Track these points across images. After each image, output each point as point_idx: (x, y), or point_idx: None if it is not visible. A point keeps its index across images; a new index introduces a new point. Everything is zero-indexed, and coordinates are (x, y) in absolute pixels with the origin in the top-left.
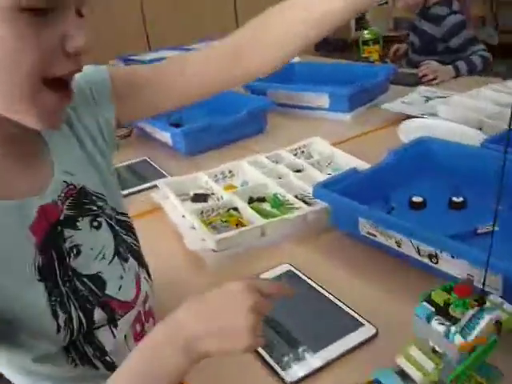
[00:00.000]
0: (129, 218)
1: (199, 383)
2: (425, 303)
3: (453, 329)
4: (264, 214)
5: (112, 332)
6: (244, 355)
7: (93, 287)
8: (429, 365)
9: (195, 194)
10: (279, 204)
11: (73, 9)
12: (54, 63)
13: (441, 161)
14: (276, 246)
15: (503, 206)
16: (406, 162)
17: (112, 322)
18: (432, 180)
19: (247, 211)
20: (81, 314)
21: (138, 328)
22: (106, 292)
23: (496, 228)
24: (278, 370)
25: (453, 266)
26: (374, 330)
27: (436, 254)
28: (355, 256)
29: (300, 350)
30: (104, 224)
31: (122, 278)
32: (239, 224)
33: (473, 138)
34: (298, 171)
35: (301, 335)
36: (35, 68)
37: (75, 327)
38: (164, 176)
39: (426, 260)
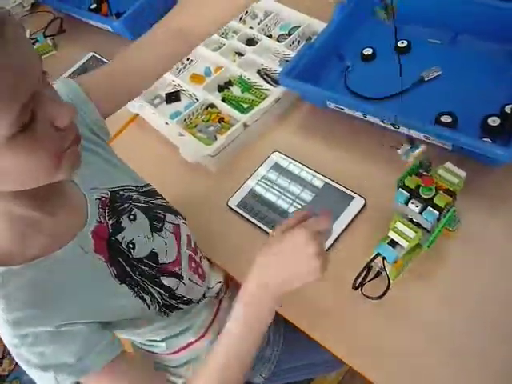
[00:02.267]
0: (149, 184)
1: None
2: (401, 190)
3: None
4: (239, 104)
5: (183, 283)
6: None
7: (151, 263)
8: (411, 233)
9: (167, 95)
10: (248, 87)
11: (36, 100)
12: (61, 141)
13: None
14: (259, 134)
15: (443, 41)
16: (352, 16)
17: (179, 278)
18: (376, 27)
19: (224, 106)
20: (157, 288)
21: (194, 265)
22: (160, 262)
23: (439, 72)
24: None
25: (411, 131)
26: (363, 201)
27: (396, 123)
28: (329, 127)
29: None
30: (137, 212)
31: (166, 244)
32: (221, 120)
33: None
34: (251, 40)
35: None
36: (53, 155)
37: (158, 299)
38: None
39: (390, 126)
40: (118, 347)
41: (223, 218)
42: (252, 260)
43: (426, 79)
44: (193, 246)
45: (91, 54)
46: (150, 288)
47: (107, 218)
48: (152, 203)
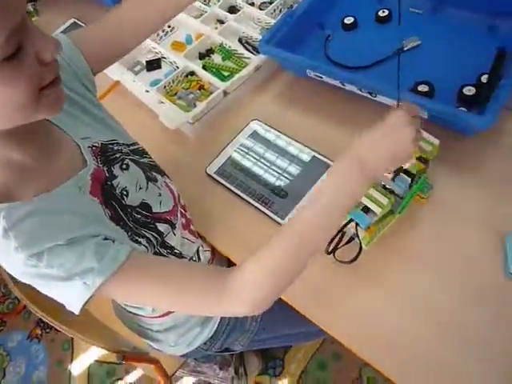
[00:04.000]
0: (137, 143)
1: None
2: None
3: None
4: (220, 72)
5: (174, 233)
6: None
7: (144, 212)
8: (384, 200)
9: (147, 62)
10: (229, 55)
11: (23, 31)
12: (42, 77)
13: None
14: (238, 102)
15: (424, 10)
16: None
17: (172, 227)
18: None
19: (204, 74)
20: (152, 233)
21: (184, 221)
22: (153, 211)
23: (418, 41)
24: (278, 219)
25: (388, 100)
26: None
27: (373, 91)
28: (308, 96)
29: (288, 199)
30: (130, 163)
31: (160, 195)
32: (201, 87)
33: None
34: (233, 7)
35: (286, 186)
36: (32, 90)
37: (154, 242)
38: None
39: (366, 95)
40: (127, 248)
41: (202, 185)
42: (229, 227)
43: (405, 48)
44: (182, 203)
45: (72, 20)
46: (144, 232)
47: (100, 165)
48: (141, 161)
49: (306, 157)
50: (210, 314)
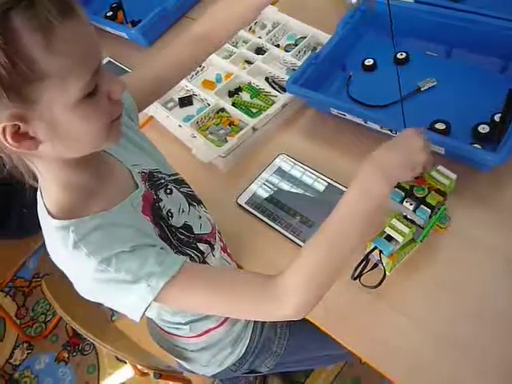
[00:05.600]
0: (178, 173)
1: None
2: (397, 189)
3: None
4: (248, 109)
5: (213, 255)
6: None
7: (186, 233)
8: (406, 229)
9: (180, 99)
10: (256, 93)
11: (100, 72)
12: (112, 113)
13: (383, 20)
14: (267, 137)
15: (439, 53)
16: (355, 30)
17: (211, 248)
18: (377, 39)
19: (234, 111)
20: (194, 251)
21: (222, 244)
22: (195, 232)
23: (434, 82)
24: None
25: None
26: None
27: (393, 129)
28: (332, 132)
29: (314, 228)
30: (173, 188)
31: (200, 217)
32: (231, 123)
33: None
34: (260, 49)
35: (311, 215)
36: (106, 123)
37: (196, 260)
38: None
39: (387, 131)
40: (182, 257)
41: (233, 215)
42: (259, 254)
43: (422, 89)
44: (218, 229)
45: (107, 58)
46: (187, 251)
47: (148, 189)
48: (180, 190)
49: (328, 191)
50: (257, 318)
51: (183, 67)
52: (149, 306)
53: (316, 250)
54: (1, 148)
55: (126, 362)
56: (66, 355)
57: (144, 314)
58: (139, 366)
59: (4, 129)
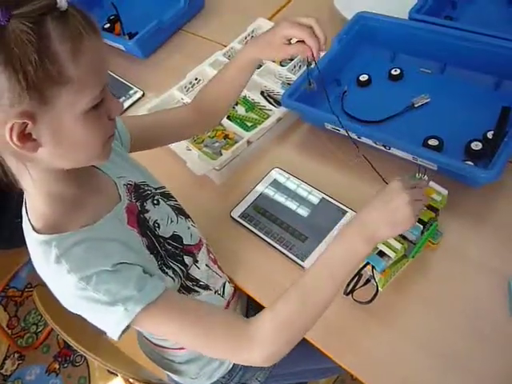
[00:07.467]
0: (164, 187)
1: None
2: None
3: None
4: (243, 122)
5: (197, 267)
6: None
7: (175, 244)
8: (398, 245)
9: None
10: (251, 107)
11: (106, 89)
12: (109, 128)
13: (378, 36)
14: (261, 151)
15: (433, 70)
16: (350, 46)
17: (195, 260)
18: (372, 55)
19: (229, 124)
20: (178, 265)
21: (212, 256)
22: (184, 243)
23: (428, 99)
24: (299, 261)
25: (401, 152)
26: (354, 214)
27: (387, 144)
28: (326, 146)
29: (307, 242)
30: (160, 200)
31: (189, 228)
32: (226, 136)
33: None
34: None
35: (305, 230)
36: (103, 138)
37: (180, 274)
38: (131, 89)
39: (381, 147)
40: (163, 284)
41: (226, 228)
42: (252, 268)
43: (416, 105)
44: (206, 245)
45: None
46: (171, 264)
47: (133, 200)
48: (167, 204)
49: (322, 204)
50: (225, 359)
51: (183, 133)
52: (127, 328)
53: (293, 300)
54: (1, 150)
55: (117, 375)
56: (57, 366)
57: (122, 335)
58: (131, 380)
59: (12, 127)
